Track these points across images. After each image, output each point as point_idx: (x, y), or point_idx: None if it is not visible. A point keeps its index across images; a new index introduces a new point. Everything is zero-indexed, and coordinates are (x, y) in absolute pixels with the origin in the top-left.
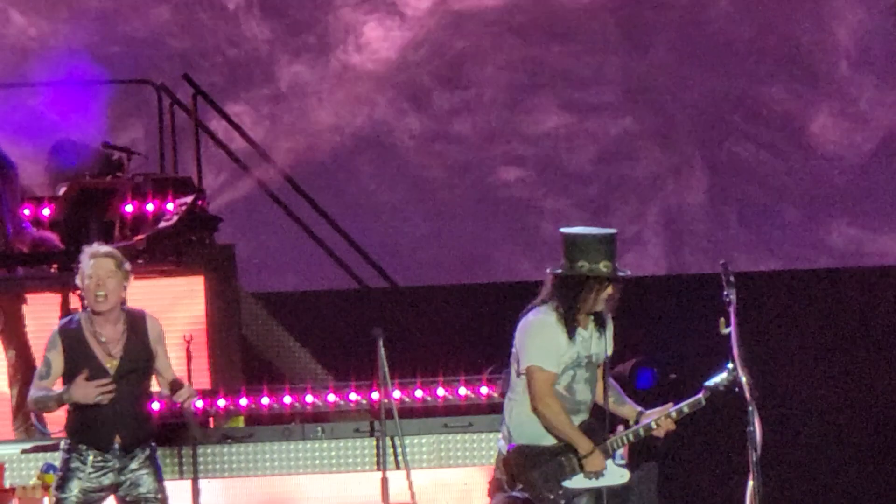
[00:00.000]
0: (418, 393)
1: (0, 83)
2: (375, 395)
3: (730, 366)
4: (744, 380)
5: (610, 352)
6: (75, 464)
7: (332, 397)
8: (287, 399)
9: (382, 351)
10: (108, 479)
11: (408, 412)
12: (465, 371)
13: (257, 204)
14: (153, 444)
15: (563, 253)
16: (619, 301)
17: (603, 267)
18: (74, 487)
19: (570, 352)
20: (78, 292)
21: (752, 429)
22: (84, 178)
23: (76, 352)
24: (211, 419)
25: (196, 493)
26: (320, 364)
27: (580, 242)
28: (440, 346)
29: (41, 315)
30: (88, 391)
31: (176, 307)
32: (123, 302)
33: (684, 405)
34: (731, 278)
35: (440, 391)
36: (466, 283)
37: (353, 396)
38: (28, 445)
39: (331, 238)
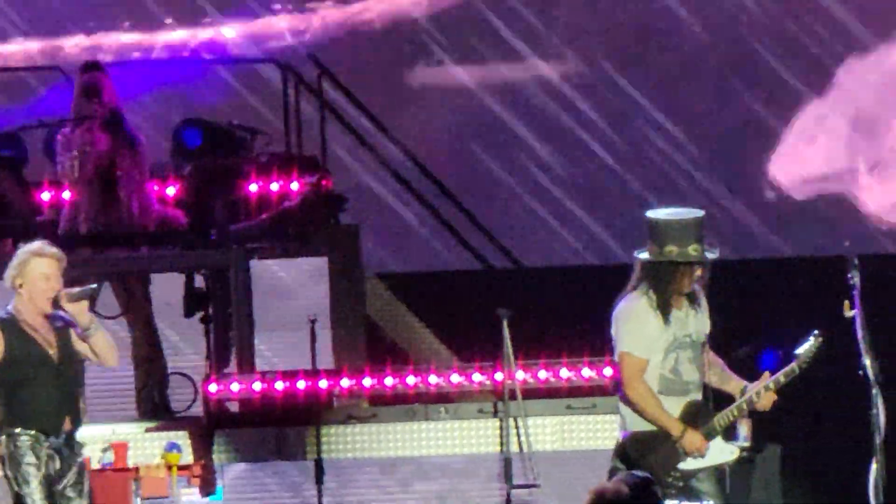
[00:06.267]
0: (542, 374)
1: (128, 59)
2: (499, 376)
3: (815, 333)
4: (868, 363)
5: (708, 329)
6: (29, 456)
7: (455, 378)
8: (411, 380)
9: (507, 331)
10: (54, 468)
11: (531, 393)
12: (589, 352)
13: (382, 184)
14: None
15: (649, 237)
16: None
17: (692, 251)
18: (35, 480)
19: (665, 335)
20: (18, 285)
21: (876, 412)
22: (210, 156)
23: (18, 341)
24: (334, 400)
25: (319, 472)
26: (444, 345)
27: (668, 227)
28: (564, 327)
29: (165, 295)
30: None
31: (300, 288)
32: None
33: (780, 375)
34: (856, 261)
35: (564, 372)
36: (592, 263)
37: (476, 377)
38: (152, 424)
39: (455, 218)
